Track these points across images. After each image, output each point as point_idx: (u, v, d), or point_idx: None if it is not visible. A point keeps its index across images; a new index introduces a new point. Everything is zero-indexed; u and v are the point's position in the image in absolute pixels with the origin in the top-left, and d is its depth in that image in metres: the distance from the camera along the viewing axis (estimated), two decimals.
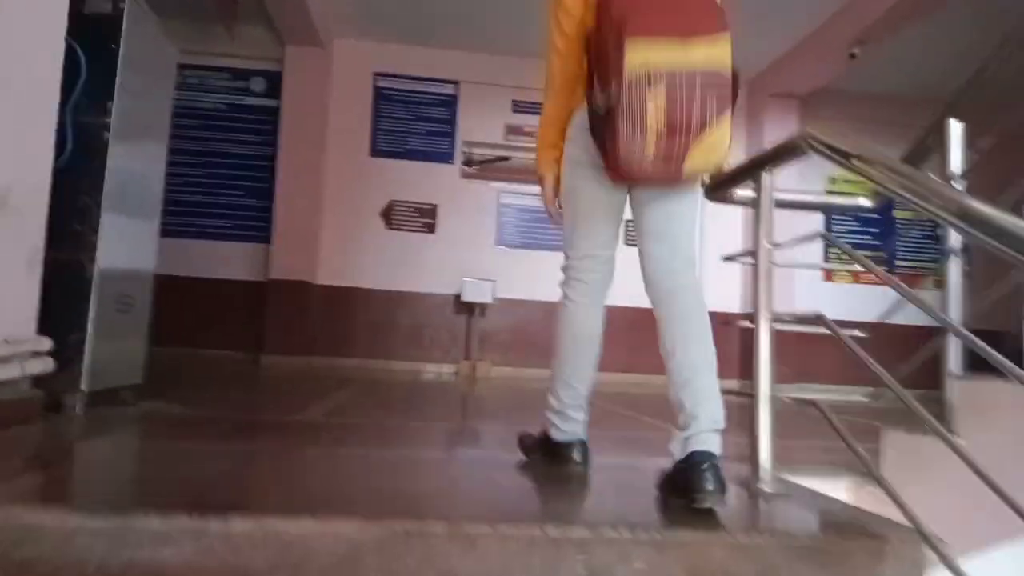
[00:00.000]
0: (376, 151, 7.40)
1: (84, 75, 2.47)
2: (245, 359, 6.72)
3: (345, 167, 7.29)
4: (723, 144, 1.55)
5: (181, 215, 7.02)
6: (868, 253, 7.86)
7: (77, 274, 2.45)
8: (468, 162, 9.60)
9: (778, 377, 1.88)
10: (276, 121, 7.00)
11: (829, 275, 8.12)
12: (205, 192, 7.09)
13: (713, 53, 1.48)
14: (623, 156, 1.55)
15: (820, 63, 6.96)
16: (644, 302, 1.90)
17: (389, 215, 7.40)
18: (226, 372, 5.96)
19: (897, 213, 8.35)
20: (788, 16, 6.37)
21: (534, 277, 7.51)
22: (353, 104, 7.37)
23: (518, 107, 7.69)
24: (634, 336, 7.39)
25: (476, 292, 7.06)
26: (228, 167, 7.12)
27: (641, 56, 1.46)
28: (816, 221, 7.45)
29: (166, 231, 7.35)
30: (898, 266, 8.28)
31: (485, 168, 9.24)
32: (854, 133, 1.61)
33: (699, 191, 1.87)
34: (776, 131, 7.39)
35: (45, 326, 2.34)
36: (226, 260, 7.02)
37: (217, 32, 6.55)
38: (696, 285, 1.81)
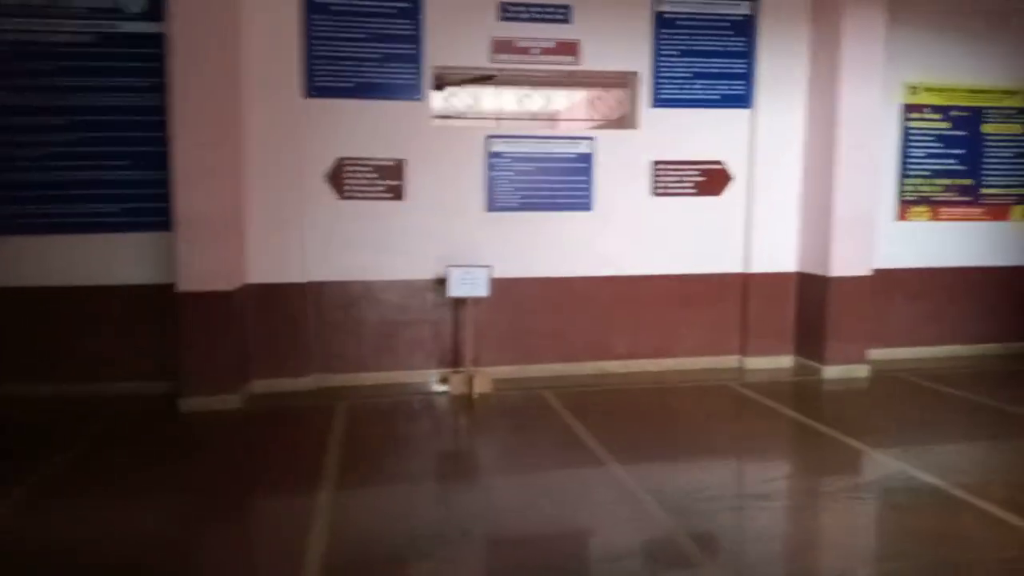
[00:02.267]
0: (313, 89, 5.29)
1: None
2: (154, 398, 4.93)
3: (271, 116, 5.19)
4: None
5: (41, 201, 5.00)
6: (949, 181, 6.74)
7: None
8: (439, 84, 7.50)
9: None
10: (163, 55, 4.85)
11: (904, 213, 6.55)
12: (74, 166, 5.03)
13: None
14: None
15: None
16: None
17: (339, 179, 5.40)
18: (133, 444, 4.19)
19: (986, 128, 6.63)
20: None
21: (536, 247, 5.73)
22: (274, 21, 5.16)
23: (508, 12, 5.55)
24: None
25: (466, 284, 5.20)
26: (102, 127, 5.03)
27: None
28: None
29: (21, 227, 5.40)
30: (984, 195, 6.77)
31: (464, 90, 7.32)
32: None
33: None
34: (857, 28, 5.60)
35: None
36: (112, 259, 5.08)
37: None
38: None
